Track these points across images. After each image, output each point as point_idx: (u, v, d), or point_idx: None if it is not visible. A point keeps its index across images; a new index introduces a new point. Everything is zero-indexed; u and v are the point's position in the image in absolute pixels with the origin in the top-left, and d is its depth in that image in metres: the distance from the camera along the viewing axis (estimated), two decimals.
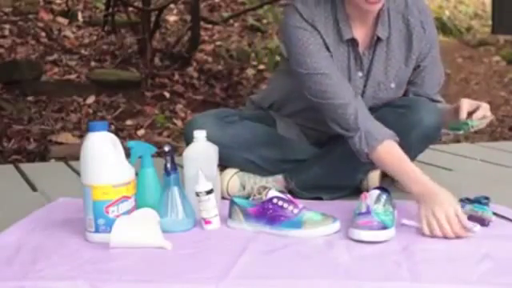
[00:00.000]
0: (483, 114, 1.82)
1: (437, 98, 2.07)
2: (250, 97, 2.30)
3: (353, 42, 1.93)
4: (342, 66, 1.94)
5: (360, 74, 1.97)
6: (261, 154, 2.08)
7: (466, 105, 1.82)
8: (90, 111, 5.16)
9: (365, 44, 1.96)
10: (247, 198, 1.98)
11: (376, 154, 1.80)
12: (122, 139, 1.83)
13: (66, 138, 4.77)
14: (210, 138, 1.87)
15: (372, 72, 1.97)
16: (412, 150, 1.99)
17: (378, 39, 1.94)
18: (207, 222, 1.72)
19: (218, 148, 1.90)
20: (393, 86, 2.00)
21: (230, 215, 1.75)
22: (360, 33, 1.94)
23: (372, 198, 1.66)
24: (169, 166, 1.72)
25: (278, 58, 5.56)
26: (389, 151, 1.80)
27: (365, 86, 1.98)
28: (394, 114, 1.95)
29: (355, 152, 1.85)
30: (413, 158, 2.08)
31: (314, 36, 1.88)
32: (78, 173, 2.46)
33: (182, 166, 1.85)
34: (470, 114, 1.82)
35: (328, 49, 1.90)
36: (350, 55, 1.95)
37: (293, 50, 1.91)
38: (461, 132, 1.88)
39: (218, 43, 6.43)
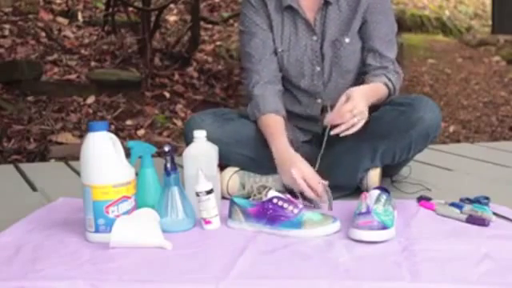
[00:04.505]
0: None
1: (386, 55, 2.09)
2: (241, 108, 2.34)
3: (295, 9, 2.08)
4: (289, 30, 2.10)
5: (315, 37, 2.10)
6: (259, 150, 2.08)
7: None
8: (90, 111, 5.17)
9: (314, 9, 2.08)
10: (247, 197, 1.98)
11: (259, 122, 2.08)
12: (122, 139, 1.83)
13: (66, 138, 4.78)
14: (209, 135, 1.87)
15: (326, 33, 2.08)
16: (412, 147, 2.00)
17: (327, 2, 2.06)
18: (207, 222, 1.72)
19: (218, 145, 1.90)
20: (347, 40, 2.08)
21: (230, 215, 1.75)
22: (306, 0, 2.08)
23: (372, 198, 1.66)
24: (169, 166, 1.72)
25: None
26: (267, 124, 2.04)
27: (322, 48, 2.09)
28: (395, 111, 1.98)
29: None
30: (413, 155, 2.10)
31: (258, 10, 2.10)
32: (78, 173, 2.46)
33: (182, 166, 1.85)
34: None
35: (269, 16, 2.09)
36: (297, 21, 2.09)
37: (240, 17, 2.16)
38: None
39: (218, 43, 6.43)
